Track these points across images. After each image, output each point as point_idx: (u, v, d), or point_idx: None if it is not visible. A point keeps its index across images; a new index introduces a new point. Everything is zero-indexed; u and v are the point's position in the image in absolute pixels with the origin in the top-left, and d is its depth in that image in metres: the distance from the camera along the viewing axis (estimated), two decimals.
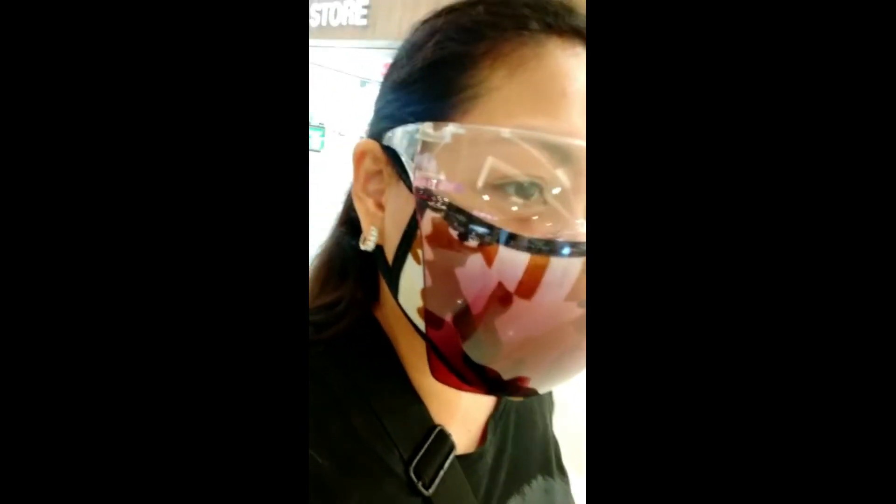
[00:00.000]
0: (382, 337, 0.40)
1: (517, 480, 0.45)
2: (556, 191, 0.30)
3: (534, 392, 0.35)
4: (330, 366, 0.38)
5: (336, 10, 6.16)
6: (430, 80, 0.34)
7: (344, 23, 6.08)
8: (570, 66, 0.32)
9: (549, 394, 0.53)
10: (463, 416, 0.43)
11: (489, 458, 0.43)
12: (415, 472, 0.37)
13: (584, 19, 0.34)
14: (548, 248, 0.30)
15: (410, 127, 0.33)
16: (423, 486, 0.37)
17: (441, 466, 0.38)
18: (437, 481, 0.37)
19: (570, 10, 0.34)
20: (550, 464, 0.50)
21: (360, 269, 0.42)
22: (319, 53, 7.06)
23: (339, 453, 0.35)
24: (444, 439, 0.39)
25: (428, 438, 0.38)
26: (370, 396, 0.38)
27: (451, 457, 0.39)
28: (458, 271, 0.31)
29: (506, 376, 0.33)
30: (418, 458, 0.37)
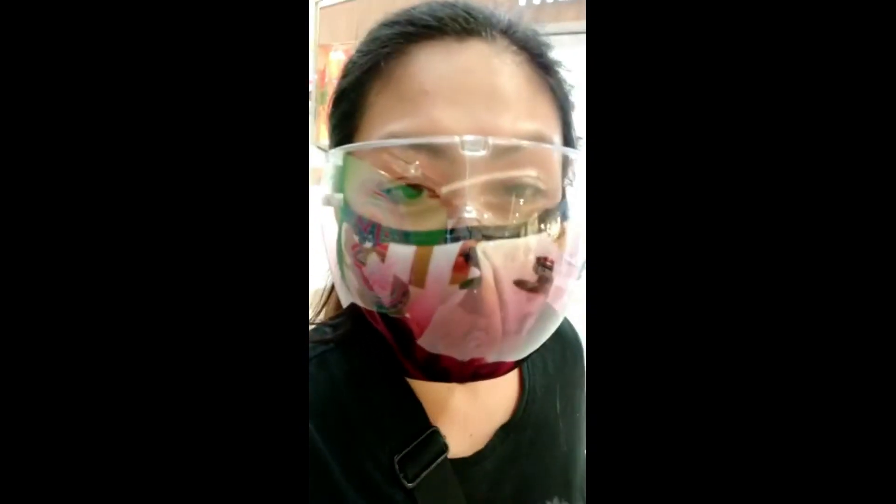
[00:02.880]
0: (385, 340, 0.42)
1: (529, 498, 0.45)
2: (440, 186, 0.32)
3: (488, 367, 0.35)
4: (336, 361, 0.42)
5: None
6: (339, 108, 0.38)
7: None
8: (433, 63, 0.34)
9: (581, 420, 0.52)
10: (464, 420, 0.44)
11: (488, 464, 0.43)
12: (399, 465, 0.39)
13: (460, 13, 0.35)
14: (428, 238, 0.32)
15: (328, 154, 0.37)
16: (406, 479, 0.38)
17: (428, 465, 0.40)
18: (421, 477, 0.39)
19: (441, 15, 0.35)
20: (571, 487, 0.48)
21: None
22: None
23: (329, 429, 0.39)
24: (435, 440, 0.41)
25: (419, 437, 0.40)
26: (369, 390, 0.41)
27: (442, 458, 0.40)
28: (365, 270, 0.34)
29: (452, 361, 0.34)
30: (404, 452, 0.39)
